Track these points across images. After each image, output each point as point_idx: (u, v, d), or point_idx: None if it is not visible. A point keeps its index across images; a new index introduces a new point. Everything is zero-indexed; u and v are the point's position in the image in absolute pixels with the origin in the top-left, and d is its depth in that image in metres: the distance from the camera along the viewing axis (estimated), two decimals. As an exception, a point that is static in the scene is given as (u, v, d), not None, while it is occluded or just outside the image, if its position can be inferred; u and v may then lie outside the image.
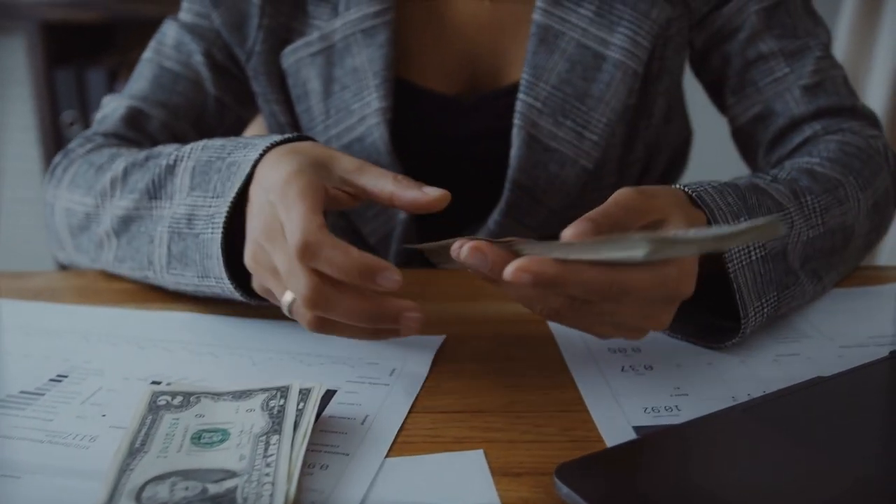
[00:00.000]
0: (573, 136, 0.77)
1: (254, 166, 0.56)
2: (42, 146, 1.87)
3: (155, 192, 0.63)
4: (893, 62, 1.77)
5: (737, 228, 0.39)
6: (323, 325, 0.50)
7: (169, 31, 0.84)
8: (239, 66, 0.83)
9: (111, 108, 0.81)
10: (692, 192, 0.55)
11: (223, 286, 0.58)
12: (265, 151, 0.56)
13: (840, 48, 1.81)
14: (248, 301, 0.58)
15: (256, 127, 0.97)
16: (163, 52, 0.83)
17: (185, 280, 0.61)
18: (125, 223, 0.65)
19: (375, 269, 0.46)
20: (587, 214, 0.47)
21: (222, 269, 0.57)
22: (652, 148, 0.85)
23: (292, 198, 0.49)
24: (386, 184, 0.53)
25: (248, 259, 0.54)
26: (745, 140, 0.82)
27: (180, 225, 0.60)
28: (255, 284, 0.55)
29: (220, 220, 0.57)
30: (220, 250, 0.56)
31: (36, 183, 1.98)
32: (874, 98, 1.82)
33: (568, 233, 0.46)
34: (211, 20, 0.81)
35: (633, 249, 0.39)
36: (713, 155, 1.28)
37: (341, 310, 0.48)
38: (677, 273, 0.48)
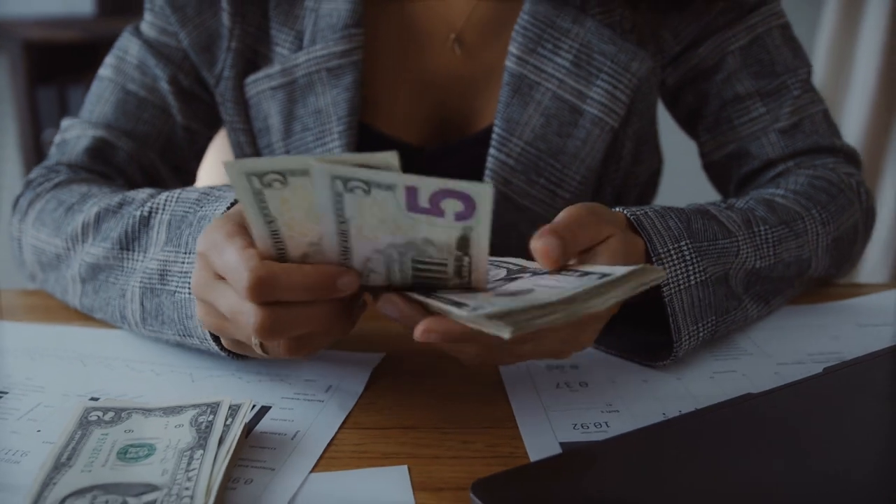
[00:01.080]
0: (546, 195, 0.74)
1: None
2: (24, 165, 1.88)
3: (128, 243, 0.60)
4: (873, 72, 1.79)
5: (606, 280, 0.42)
6: (299, 348, 0.48)
7: (130, 48, 0.78)
8: (207, 90, 0.79)
9: (73, 136, 0.77)
10: (631, 215, 0.55)
11: (209, 347, 0.55)
12: (233, 204, 0.54)
13: (819, 59, 1.82)
14: (236, 360, 0.57)
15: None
16: (125, 73, 0.78)
17: (165, 336, 0.59)
18: (93, 270, 0.63)
19: (335, 276, 0.45)
20: (551, 225, 0.47)
21: (206, 331, 0.54)
22: (620, 189, 0.82)
23: (220, 243, 0.47)
24: None
25: (203, 321, 0.50)
26: (718, 173, 0.81)
27: (153, 280, 0.57)
28: (225, 343, 0.52)
29: None
30: None
31: (17, 201, 1.98)
32: (854, 107, 1.84)
33: (538, 244, 0.46)
34: (178, 39, 0.77)
35: (500, 331, 0.39)
36: (685, 181, 1.27)
37: (300, 319, 0.45)
38: None
